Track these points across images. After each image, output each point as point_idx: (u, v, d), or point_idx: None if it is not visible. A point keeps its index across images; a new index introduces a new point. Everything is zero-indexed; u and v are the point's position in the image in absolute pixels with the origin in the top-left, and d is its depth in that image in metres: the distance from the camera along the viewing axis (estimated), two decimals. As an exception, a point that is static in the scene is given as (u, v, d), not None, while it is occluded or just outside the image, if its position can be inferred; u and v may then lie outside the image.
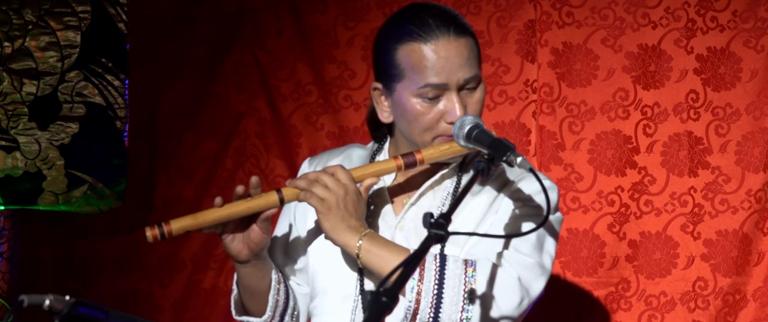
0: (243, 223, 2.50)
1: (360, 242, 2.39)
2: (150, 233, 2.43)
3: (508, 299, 2.36)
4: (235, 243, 2.51)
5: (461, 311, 2.32)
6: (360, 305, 2.49)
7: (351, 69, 3.75)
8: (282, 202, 2.46)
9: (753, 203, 3.50)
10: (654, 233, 3.55)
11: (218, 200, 2.47)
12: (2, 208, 3.62)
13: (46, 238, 3.82)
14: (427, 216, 2.07)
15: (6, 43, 3.57)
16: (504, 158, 2.24)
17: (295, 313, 2.66)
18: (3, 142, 3.59)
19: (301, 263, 2.66)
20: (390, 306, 1.86)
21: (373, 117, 2.60)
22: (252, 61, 3.83)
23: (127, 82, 3.66)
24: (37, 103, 3.60)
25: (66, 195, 3.62)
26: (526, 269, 2.40)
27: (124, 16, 3.63)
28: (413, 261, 2.00)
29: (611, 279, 3.58)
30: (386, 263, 2.38)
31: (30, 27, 3.59)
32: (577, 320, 3.61)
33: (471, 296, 2.32)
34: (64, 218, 3.77)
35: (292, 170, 3.75)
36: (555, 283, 3.58)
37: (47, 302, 1.88)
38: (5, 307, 3.64)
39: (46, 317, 1.92)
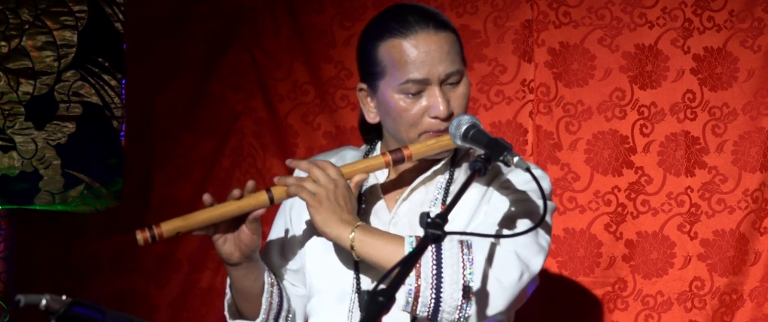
0: (234, 224, 2.50)
1: (353, 233, 2.39)
2: (140, 236, 2.43)
3: (508, 273, 2.36)
4: (227, 245, 2.51)
5: (462, 290, 2.32)
6: (357, 304, 2.49)
7: (348, 69, 3.75)
8: (272, 201, 2.47)
9: (750, 202, 3.51)
10: (651, 233, 3.56)
11: (207, 197, 2.47)
12: (-1, 207, 3.63)
13: (42, 238, 3.82)
14: (424, 216, 2.07)
15: (2, 43, 3.57)
16: (501, 158, 2.24)
17: (290, 315, 2.66)
18: (0, 142, 3.59)
19: (296, 263, 2.66)
20: (387, 306, 1.86)
21: (364, 121, 2.61)
22: (249, 60, 3.83)
23: (123, 81, 3.66)
24: (34, 102, 3.60)
25: (62, 195, 3.62)
26: (523, 245, 2.40)
27: (121, 16, 3.63)
28: (410, 261, 1.99)
29: (608, 279, 3.58)
30: (381, 252, 2.38)
31: (27, 26, 3.58)
32: (574, 320, 3.61)
33: (470, 274, 2.32)
34: (61, 218, 3.77)
35: (289, 170, 3.74)
36: (552, 282, 3.58)
37: (44, 301, 1.88)
38: (2, 307, 3.64)
39: (43, 317, 1.92)
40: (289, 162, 2.51)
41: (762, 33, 3.51)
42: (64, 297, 1.90)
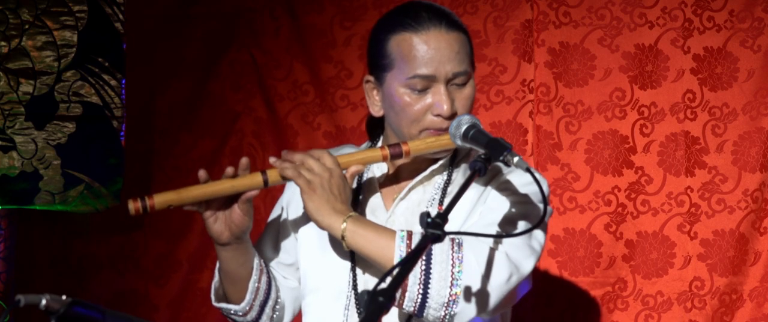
0: (226, 203, 2.51)
1: (345, 223, 2.39)
2: (132, 205, 2.43)
3: (496, 274, 2.36)
4: (217, 223, 2.52)
5: (450, 287, 2.32)
6: (353, 303, 2.49)
7: (348, 69, 3.75)
8: (266, 183, 2.46)
9: (750, 202, 3.51)
10: (651, 233, 3.56)
11: (202, 173, 2.48)
12: (-1, 207, 3.63)
13: (42, 237, 3.82)
14: (424, 216, 2.07)
15: (3, 43, 3.57)
16: (501, 158, 2.24)
17: (278, 306, 2.66)
18: (0, 142, 3.59)
19: (290, 258, 2.67)
20: (387, 306, 1.86)
21: (371, 119, 2.62)
22: (249, 60, 3.83)
23: (123, 81, 3.66)
24: (34, 102, 3.60)
25: (62, 195, 3.62)
26: (515, 247, 2.40)
27: (121, 16, 3.63)
28: (410, 261, 1.99)
29: (608, 279, 3.58)
30: (372, 244, 2.38)
31: (27, 26, 3.58)
32: (574, 320, 3.61)
33: (460, 272, 2.32)
34: (61, 218, 3.77)
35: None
36: (552, 282, 3.58)
37: (44, 301, 1.88)
38: (2, 307, 3.64)
39: (43, 317, 1.92)
40: (284, 154, 2.50)
41: (762, 33, 3.51)
42: (64, 297, 1.90)
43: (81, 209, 3.66)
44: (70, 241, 3.83)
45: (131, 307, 3.79)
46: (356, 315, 2.48)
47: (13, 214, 3.70)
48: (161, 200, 2.44)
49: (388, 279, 1.94)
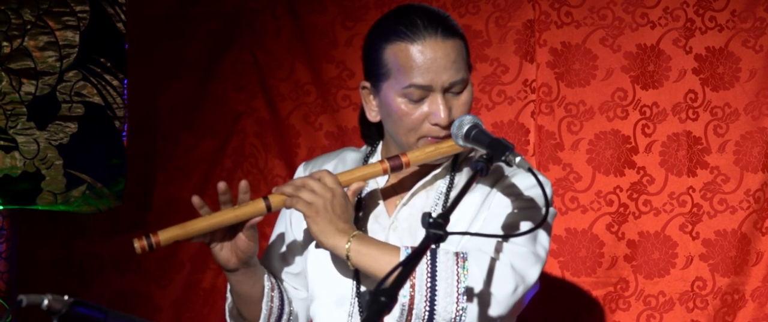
0: (230, 231, 2.51)
1: (349, 243, 2.39)
2: (138, 244, 2.44)
3: (502, 287, 2.36)
4: (224, 251, 2.52)
5: (456, 302, 2.32)
6: (356, 309, 2.49)
7: (349, 69, 3.75)
8: (269, 209, 2.47)
9: (752, 202, 3.51)
10: (652, 233, 3.56)
11: (196, 200, 2.48)
12: (1, 208, 3.62)
13: (44, 238, 3.82)
14: (426, 216, 2.07)
15: (5, 43, 3.57)
16: (503, 158, 2.24)
17: (291, 318, 2.66)
18: (2, 142, 3.59)
19: (297, 267, 2.67)
20: (389, 306, 1.86)
21: (364, 119, 2.61)
22: (250, 60, 3.83)
23: (125, 81, 3.66)
24: (36, 102, 3.60)
25: (64, 195, 3.62)
26: (519, 257, 2.40)
27: (122, 16, 3.63)
28: (412, 261, 1.99)
29: (610, 279, 3.58)
30: (377, 262, 2.38)
31: (28, 27, 3.58)
32: (576, 320, 3.61)
33: (465, 286, 2.32)
34: (63, 218, 3.77)
35: (291, 170, 3.75)
36: (553, 283, 3.58)
37: (46, 301, 1.88)
38: (4, 307, 3.64)
39: (45, 317, 1.92)
40: (275, 190, 2.49)
41: (764, 33, 3.51)
42: (66, 297, 1.91)
43: (83, 209, 3.66)
44: (72, 241, 3.84)
45: (133, 307, 3.79)
46: (362, 317, 2.48)
47: (15, 214, 3.70)
48: (166, 236, 2.46)
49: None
